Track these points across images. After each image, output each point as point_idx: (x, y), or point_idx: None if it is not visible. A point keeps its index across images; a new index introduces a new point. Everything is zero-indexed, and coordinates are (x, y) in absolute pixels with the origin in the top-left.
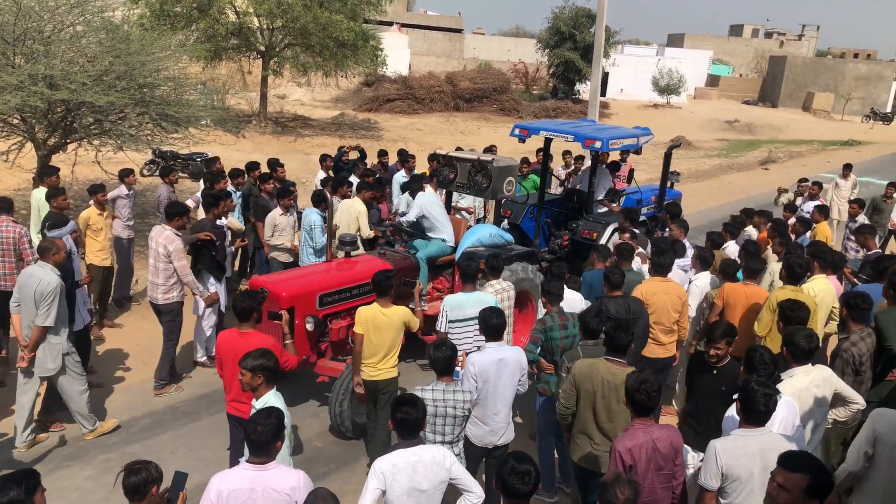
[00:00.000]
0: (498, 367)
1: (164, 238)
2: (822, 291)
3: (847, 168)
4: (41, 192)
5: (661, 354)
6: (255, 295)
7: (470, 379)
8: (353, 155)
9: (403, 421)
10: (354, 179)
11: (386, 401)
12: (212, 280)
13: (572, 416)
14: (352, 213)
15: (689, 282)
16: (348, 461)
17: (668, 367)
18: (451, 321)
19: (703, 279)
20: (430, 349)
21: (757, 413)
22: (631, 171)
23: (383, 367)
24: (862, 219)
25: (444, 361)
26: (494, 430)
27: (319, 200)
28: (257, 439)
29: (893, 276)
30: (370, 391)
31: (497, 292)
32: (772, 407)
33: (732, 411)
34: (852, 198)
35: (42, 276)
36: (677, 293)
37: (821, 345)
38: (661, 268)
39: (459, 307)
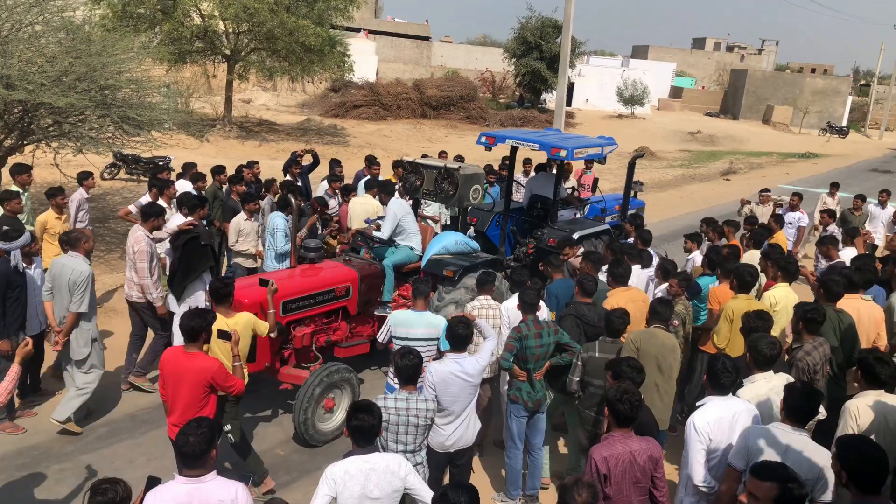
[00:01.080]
0: (459, 378)
1: (133, 238)
2: (783, 299)
3: (834, 186)
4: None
5: None
6: (204, 314)
7: (428, 388)
8: (308, 160)
9: (359, 428)
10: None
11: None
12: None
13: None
14: (368, 209)
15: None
16: (311, 469)
17: None
18: (396, 338)
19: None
20: (396, 357)
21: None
22: (595, 181)
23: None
24: (833, 229)
25: (409, 370)
26: (454, 434)
27: (285, 205)
28: (190, 451)
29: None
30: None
31: (483, 307)
32: (813, 406)
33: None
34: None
35: (74, 266)
36: (643, 299)
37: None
38: (619, 277)
39: (406, 325)
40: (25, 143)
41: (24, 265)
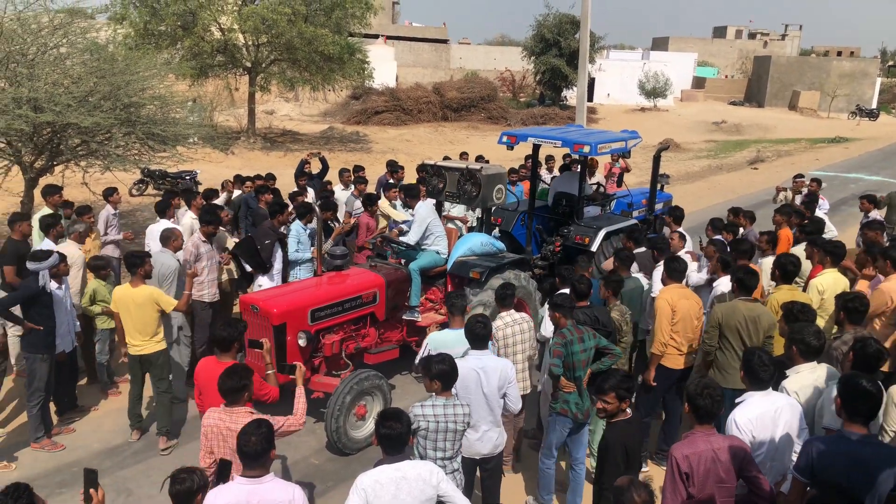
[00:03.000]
0: (479, 375)
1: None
2: (831, 285)
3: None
4: (42, 214)
5: (685, 365)
6: (236, 324)
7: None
8: (316, 166)
9: (388, 436)
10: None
11: (157, 373)
12: (263, 277)
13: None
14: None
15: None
16: (346, 477)
17: (685, 380)
18: None
19: (725, 286)
20: (431, 363)
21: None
22: (621, 174)
23: (147, 342)
24: (875, 214)
25: (445, 375)
26: (480, 438)
27: (304, 213)
28: (251, 450)
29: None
30: (138, 364)
31: (507, 325)
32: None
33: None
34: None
35: (164, 261)
36: (696, 299)
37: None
38: (675, 273)
39: (447, 346)
40: (55, 163)
41: (56, 284)
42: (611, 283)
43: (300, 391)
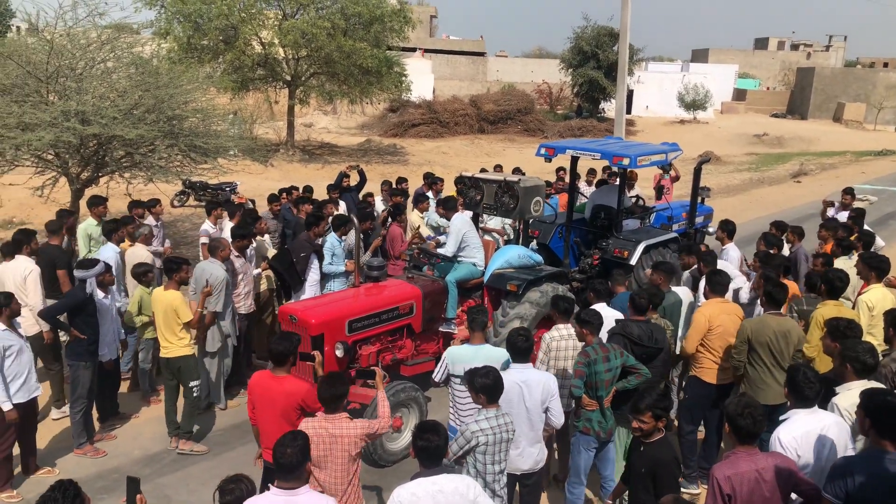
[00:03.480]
0: (521, 388)
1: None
2: (879, 301)
3: None
4: (87, 224)
5: (724, 380)
6: (291, 337)
7: None
8: (354, 178)
9: (425, 449)
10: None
11: (183, 378)
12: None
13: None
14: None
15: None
16: (382, 489)
17: (729, 395)
18: (455, 375)
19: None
20: (474, 376)
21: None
22: (660, 188)
23: (171, 346)
24: None
25: (490, 388)
26: (521, 454)
27: (339, 225)
28: (287, 462)
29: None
30: (168, 369)
31: (562, 337)
32: None
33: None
34: None
35: (212, 271)
36: (738, 314)
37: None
38: (720, 286)
39: (464, 361)
40: (100, 174)
41: (102, 293)
42: (651, 296)
43: (382, 395)
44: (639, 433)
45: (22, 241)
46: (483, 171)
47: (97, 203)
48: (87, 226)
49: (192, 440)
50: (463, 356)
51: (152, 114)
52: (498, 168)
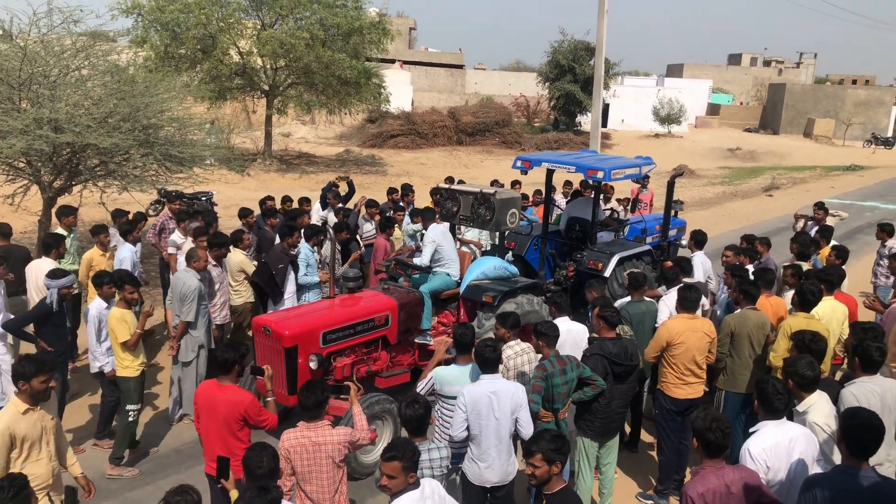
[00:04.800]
0: (490, 399)
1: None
2: (826, 314)
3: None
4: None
5: (687, 395)
6: (238, 347)
7: (459, 409)
8: (343, 188)
9: (412, 417)
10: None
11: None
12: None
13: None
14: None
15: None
16: (358, 502)
17: (695, 408)
18: (442, 395)
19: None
20: (401, 406)
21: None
22: (634, 201)
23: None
24: (892, 244)
25: (416, 421)
26: (490, 466)
27: (311, 235)
28: (263, 472)
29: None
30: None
31: (518, 354)
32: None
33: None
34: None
35: (186, 280)
36: (705, 331)
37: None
38: (689, 303)
39: (451, 383)
40: (73, 183)
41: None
42: (605, 314)
43: (357, 409)
44: (534, 481)
45: None
46: (460, 182)
47: (67, 213)
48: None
49: (124, 465)
50: (450, 378)
51: (127, 122)
52: (448, 180)
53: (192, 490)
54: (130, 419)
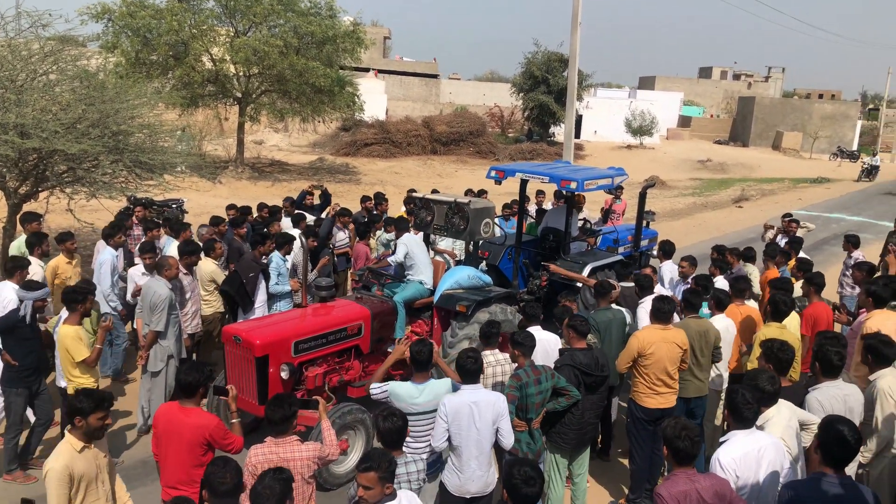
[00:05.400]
0: (472, 410)
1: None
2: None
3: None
4: (20, 241)
5: (659, 405)
6: (202, 368)
7: (441, 419)
8: (317, 197)
9: (390, 430)
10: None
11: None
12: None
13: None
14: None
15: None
16: None
17: (667, 418)
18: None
19: (720, 322)
20: (378, 419)
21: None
22: (607, 211)
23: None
24: (857, 255)
25: (394, 434)
26: (470, 477)
27: (283, 243)
28: (227, 489)
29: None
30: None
31: (493, 364)
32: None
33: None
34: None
35: (156, 289)
36: (678, 342)
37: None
38: (661, 314)
39: (404, 400)
40: (40, 189)
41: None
42: (572, 325)
43: (326, 423)
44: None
45: None
46: (434, 192)
47: (30, 220)
48: (20, 243)
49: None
50: (402, 395)
51: (96, 128)
52: (412, 192)
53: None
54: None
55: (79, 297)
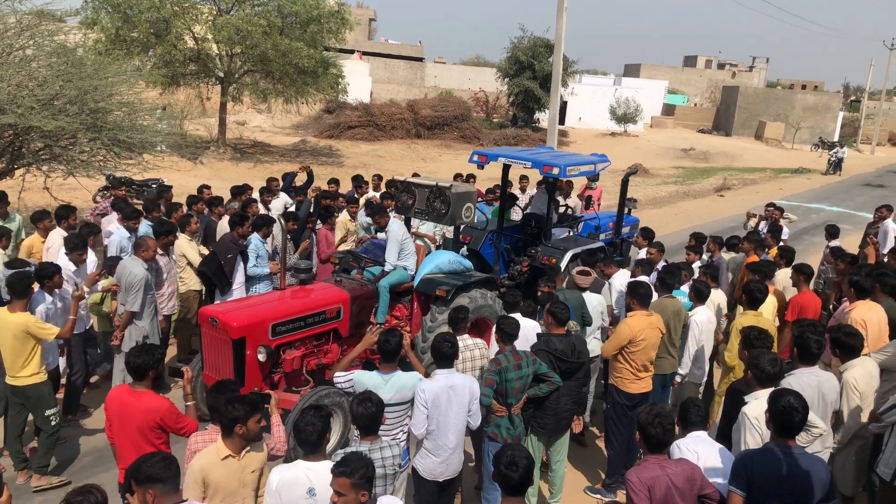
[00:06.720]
0: (449, 394)
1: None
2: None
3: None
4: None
5: (641, 389)
6: (153, 350)
7: (420, 406)
8: (302, 178)
9: (363, 415)
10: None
11: (33, 409)
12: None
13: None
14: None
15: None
16: None
17: (645, 402)
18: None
19: (702, 315)
20: (353, 403)
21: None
22: (588, 198)
23: (21, 374)
24: (835, 243)
25: (367, 419)
26: (445, 461)
27: (261, 225)
28: (163, 474)
29: None
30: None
31: (466, 348)
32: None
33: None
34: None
35: (132, 269)
36: (659, 326)
37: None
38: (642, 298)
39: (362, 387)
40: (15, 166)
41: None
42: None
43: (276, 419)
44: None
45: None
46: (415, 175)
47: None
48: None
49: (50, 474)
50: (368, 384)
51: (74, 105)
52: (415, 176)
53: (96, 490)
54: (53, 423)
55: (28, 283)
